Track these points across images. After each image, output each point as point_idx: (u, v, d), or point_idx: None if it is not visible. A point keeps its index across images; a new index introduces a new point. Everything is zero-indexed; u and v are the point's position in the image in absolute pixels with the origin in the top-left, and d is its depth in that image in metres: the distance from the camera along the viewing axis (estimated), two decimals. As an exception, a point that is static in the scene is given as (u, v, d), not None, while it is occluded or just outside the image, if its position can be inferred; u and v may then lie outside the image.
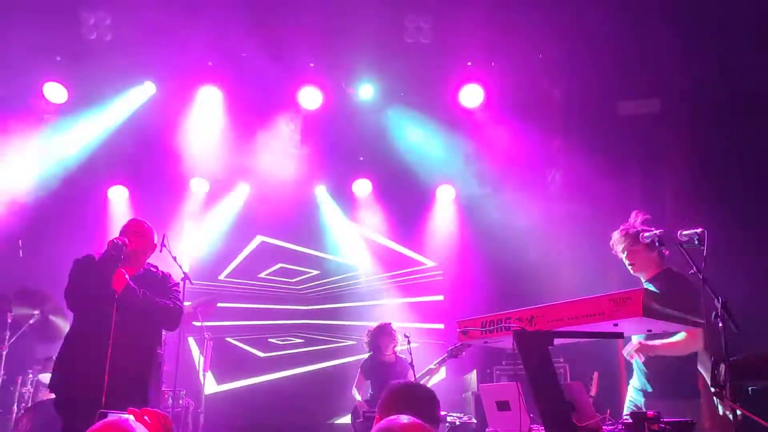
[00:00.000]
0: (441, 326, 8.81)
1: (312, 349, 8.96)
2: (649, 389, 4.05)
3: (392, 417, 1.90)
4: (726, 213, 6.22)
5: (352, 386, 6.80)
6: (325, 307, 9.10)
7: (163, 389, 4.54)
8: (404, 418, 1.88)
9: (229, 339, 8.81)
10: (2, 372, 6.44)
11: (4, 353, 6.50)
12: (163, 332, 4.48)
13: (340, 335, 9.00)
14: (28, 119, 7.51)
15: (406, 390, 2.81)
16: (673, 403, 3.69)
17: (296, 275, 9.15)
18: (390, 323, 6.80)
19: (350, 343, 8.88)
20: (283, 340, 8.96)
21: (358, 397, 6.57)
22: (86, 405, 3.80)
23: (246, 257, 9.16)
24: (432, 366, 6.42)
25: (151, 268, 4.42)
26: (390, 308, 8.84)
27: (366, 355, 6.88)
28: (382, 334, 6.67)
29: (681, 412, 3.08)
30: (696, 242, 3.56)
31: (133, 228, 4.32)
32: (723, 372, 2.75)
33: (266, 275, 9.12)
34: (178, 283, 4.52)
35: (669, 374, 3.98)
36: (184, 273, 6.10)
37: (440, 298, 8.98)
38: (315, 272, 9.19)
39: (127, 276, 4.07)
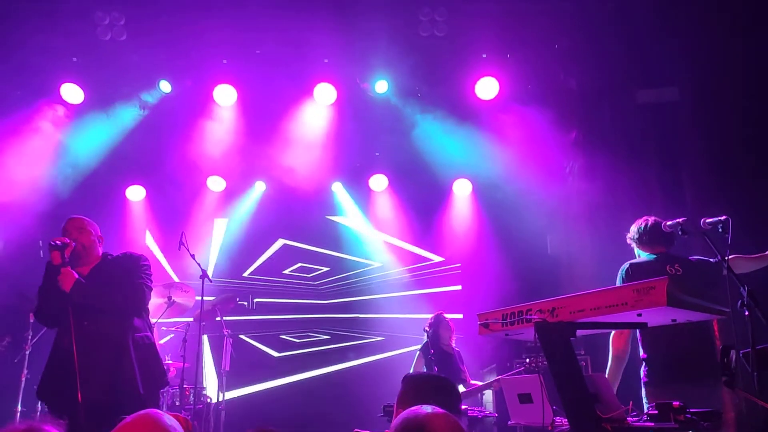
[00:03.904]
0: (460, 315, 8.78)
1: (335, 346, 8.96)
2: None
3: (414, 407, 1.87)
4: (746, 202, 6.12)
5: (375, 382, 6.79)
6: (343, 300, 9.11)
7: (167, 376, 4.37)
8: (427, 408, 1.85)
9: (248, 336, 8.84)
10: (26, 371, 6.52)
11: (28, 353, 6.57)
12: (151, 318, 4.46)
13: (363, 332, 9.00)
14: (46, 120, 7.57)
15: (426, 381, 2.79)
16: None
17: (315, 271, 9.16)
18: (443, 312, 6.86)
19: (378, 339, 8.91)
20: (303, 337, 8.96)
21: None
22: (67, 406, 3.83)
23: (266, 255, 9.19)
24: (491, 380, 6.46)
25: (108, 256, 4.32)
26: (408, 302, 8.83)
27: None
28: (441, 324, 6.72)
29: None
30: (720, 230, 3.52)
31: (75, 225, 4.27)
32: (734, 359, 2.71)
33: (287, 272, 9.14)
34: (140, 258, 4.30)
35: None
36: (202, 270, 6.16)
37: (458, 288, 8.94)
38: (330, 269, 9.20)
39: (74, 274, 4.02)
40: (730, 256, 3.99)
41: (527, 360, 6.39)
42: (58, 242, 4.06)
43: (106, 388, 3.86)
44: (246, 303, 8.89)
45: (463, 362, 6.76)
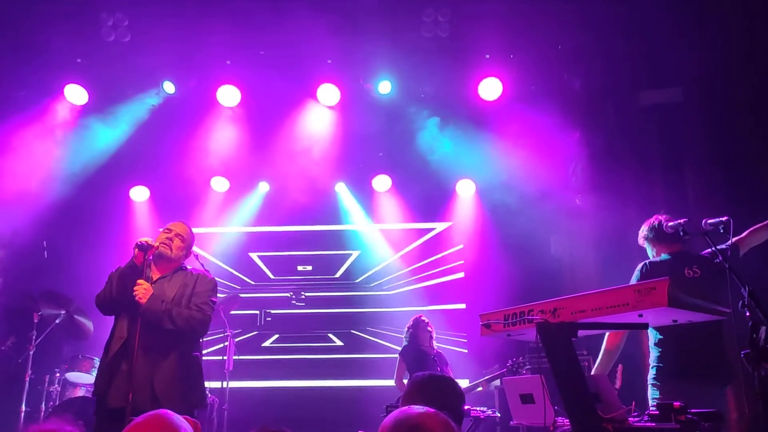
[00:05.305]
0: (463, 332, 8.78)
1: (338, 345, 8.99)
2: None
3: (404, 408, 1.87)
4: (750, 203, 6.11)
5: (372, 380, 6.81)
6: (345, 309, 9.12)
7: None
8: (418, 408, 1.84)
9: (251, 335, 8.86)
10: (30, 371, 6.54)
11: (32, 353, 6.60)
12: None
13: (365, 331, 9.01)
14: (50, 121, 7.59)
15: (432, 382, 2.79)
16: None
17: (309, 275, 9.17)
18: (422, 315, 6.90)
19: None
20: (306, 338, 8.97)
21: None
22: (115, 409, 3.88)
23: (269, 256, 9.20)
24: (482, 380, 6.45)
25: (183, 268, 4.37)
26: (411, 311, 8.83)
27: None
28: (418, 326, 6.75)
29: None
30: (721, 231, 3.52)
31: (177, 227, 4.37)
32: (763, 335, 2.72)
33: (288, 275, 9.15)
34: (212, 282, 4.36)
35: None
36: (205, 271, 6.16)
37: (462, 306, 8.91)
38: (328, 275, 9.22)
39: (151, 289, 4.05)
40: (745, 232, 4.05)
41: (509, 363, 6.41)
42: (144, 243, 4.09)
43: (144, 396, 3.87)
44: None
45: (447, 364, 6.77)
